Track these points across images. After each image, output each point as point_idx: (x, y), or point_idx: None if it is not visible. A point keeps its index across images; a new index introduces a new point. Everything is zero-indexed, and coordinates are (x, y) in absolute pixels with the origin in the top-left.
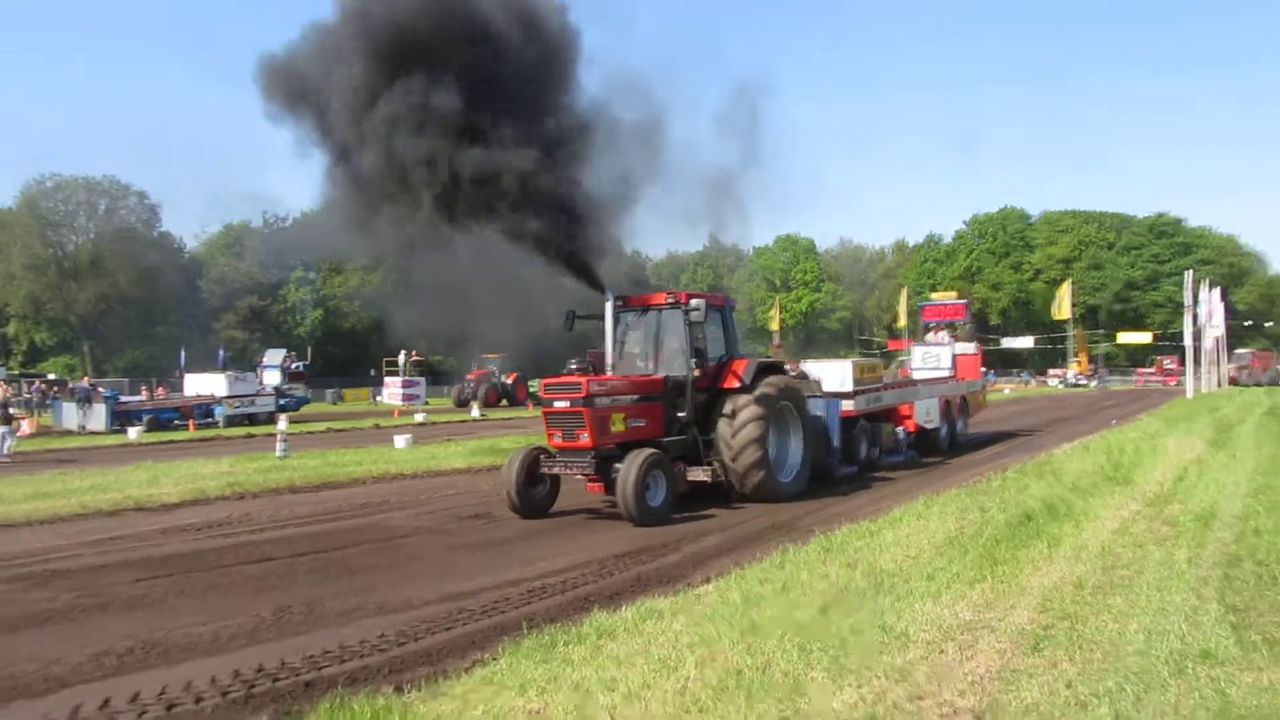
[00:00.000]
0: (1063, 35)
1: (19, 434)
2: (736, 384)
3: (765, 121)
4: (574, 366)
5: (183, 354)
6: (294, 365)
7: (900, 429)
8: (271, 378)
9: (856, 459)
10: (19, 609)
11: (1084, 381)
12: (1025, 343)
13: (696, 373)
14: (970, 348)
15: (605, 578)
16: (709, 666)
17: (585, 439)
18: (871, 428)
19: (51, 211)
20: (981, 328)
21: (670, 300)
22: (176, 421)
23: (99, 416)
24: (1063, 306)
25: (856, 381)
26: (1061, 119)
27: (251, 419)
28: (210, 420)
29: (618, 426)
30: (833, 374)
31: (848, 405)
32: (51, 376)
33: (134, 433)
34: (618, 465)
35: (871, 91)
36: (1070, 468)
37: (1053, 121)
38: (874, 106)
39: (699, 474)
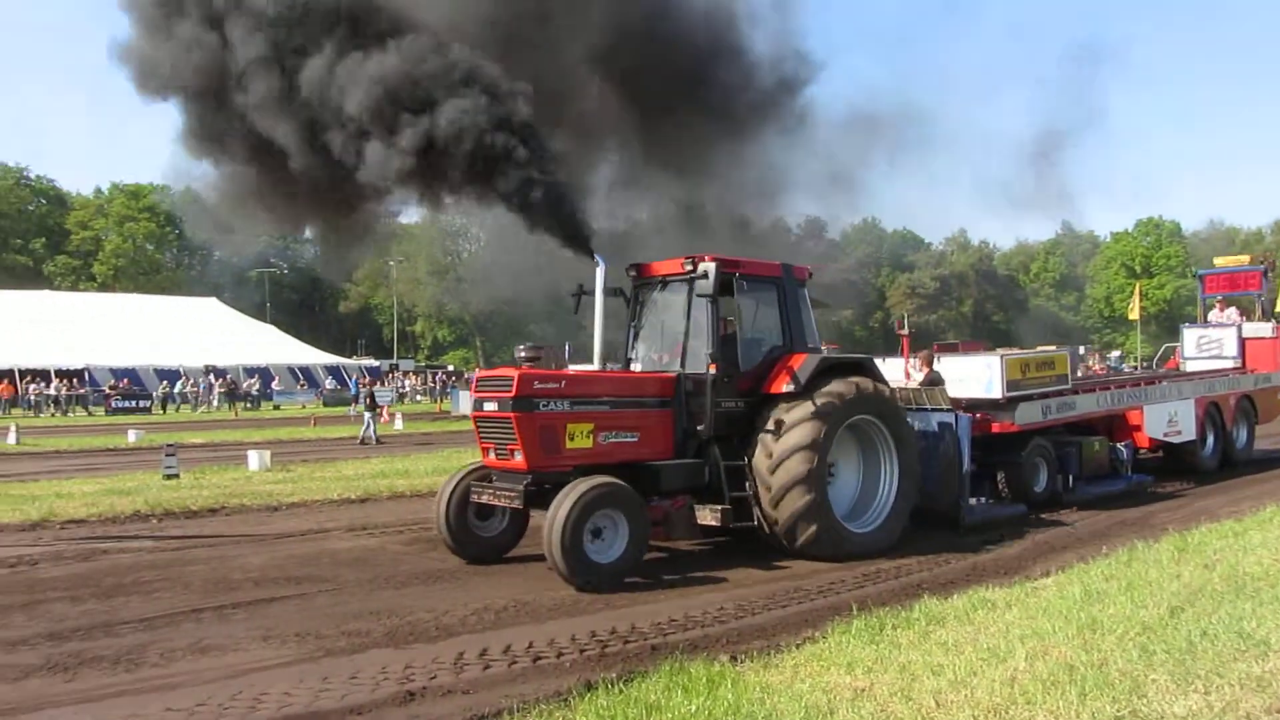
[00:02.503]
0: None
1: (381, 420)
2: (786, 387)
3: (1110, 91)
4: (521, 355)
5: (568, 348)
6: None
7: (1123, 445)
8: None
9: (1026, 493)
10: (415, 568)
11: None
12: None
13: (712, 369)
14: (1267, 329)
15: (939, 566)
16: (1040, 660)
17: (518, 458)
18: (1061, 446)
19: (449, 223)
20: None
21: (688, 268)
22: None
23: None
24: None
25: (1013, 383)
26: None
27: None
28: None
29: (580, 442)
30: (972, 373)
31: (1002, 418)
32: (450, 368)
33: None
34: None
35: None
36: None
37: None
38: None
39: (708, 516)
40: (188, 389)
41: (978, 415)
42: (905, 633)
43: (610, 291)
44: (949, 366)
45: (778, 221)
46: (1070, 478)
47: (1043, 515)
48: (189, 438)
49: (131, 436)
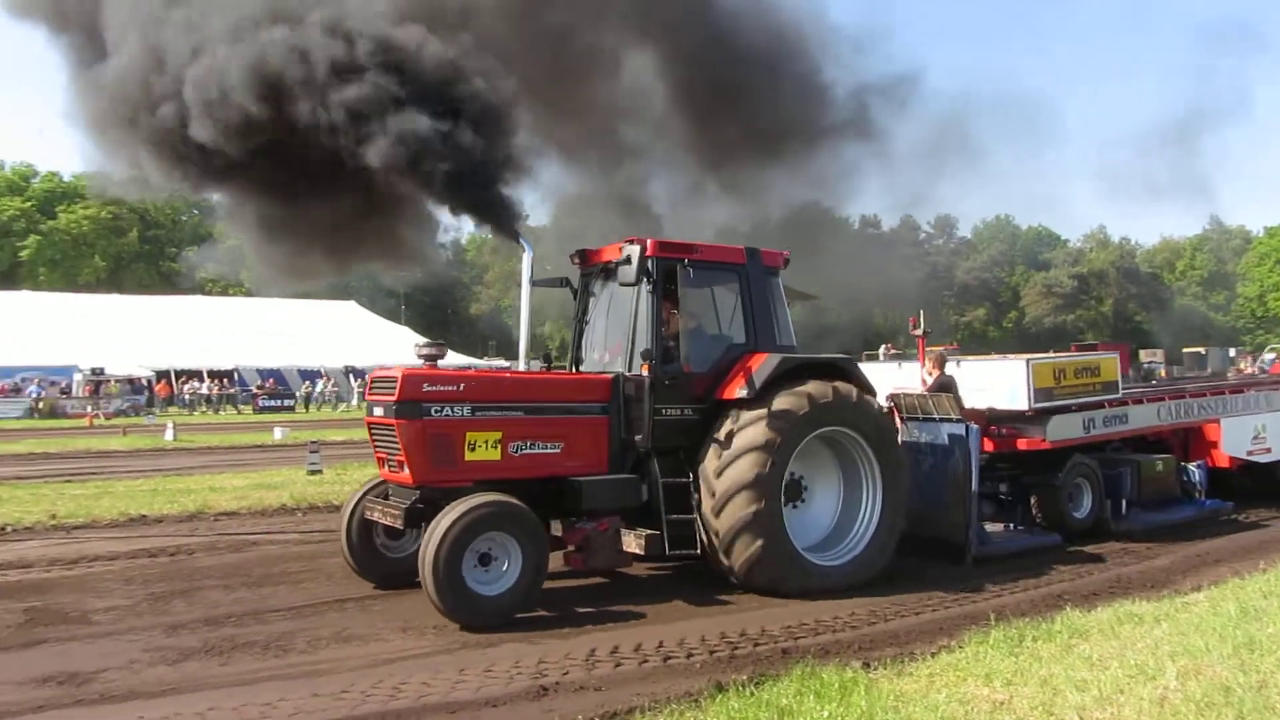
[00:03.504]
0: None
1: None
2: (739, 391)
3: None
4: (421, 352)
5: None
6: None
7: (1195, 465)
8: None
9: (1063, 520)
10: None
11: None
12: None
13: (644, 370)
14: None
15: (1081, 577)
16: (1193, 679)
17: (406, 471)
18: (1111, 466)
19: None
20: None
21: (626, 253)
22: None
23: None
24: None
25: (1043, 392)
26: None
27: None
28: None
29: (483, 453)
30: (995, 380)
31: (1031, 433)
32: None
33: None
34: None
35: None
36: None
37: None
38: None
39: (632, 542)
40: (328, 389)
41: (1003, 430)
42: (1047, 645)
43: (556, 282)
44: (970, 372)
45: (907, 219)
46: (1123, 503)
47: (1085, 548)
48: (330, 435)
49: (277, 434)
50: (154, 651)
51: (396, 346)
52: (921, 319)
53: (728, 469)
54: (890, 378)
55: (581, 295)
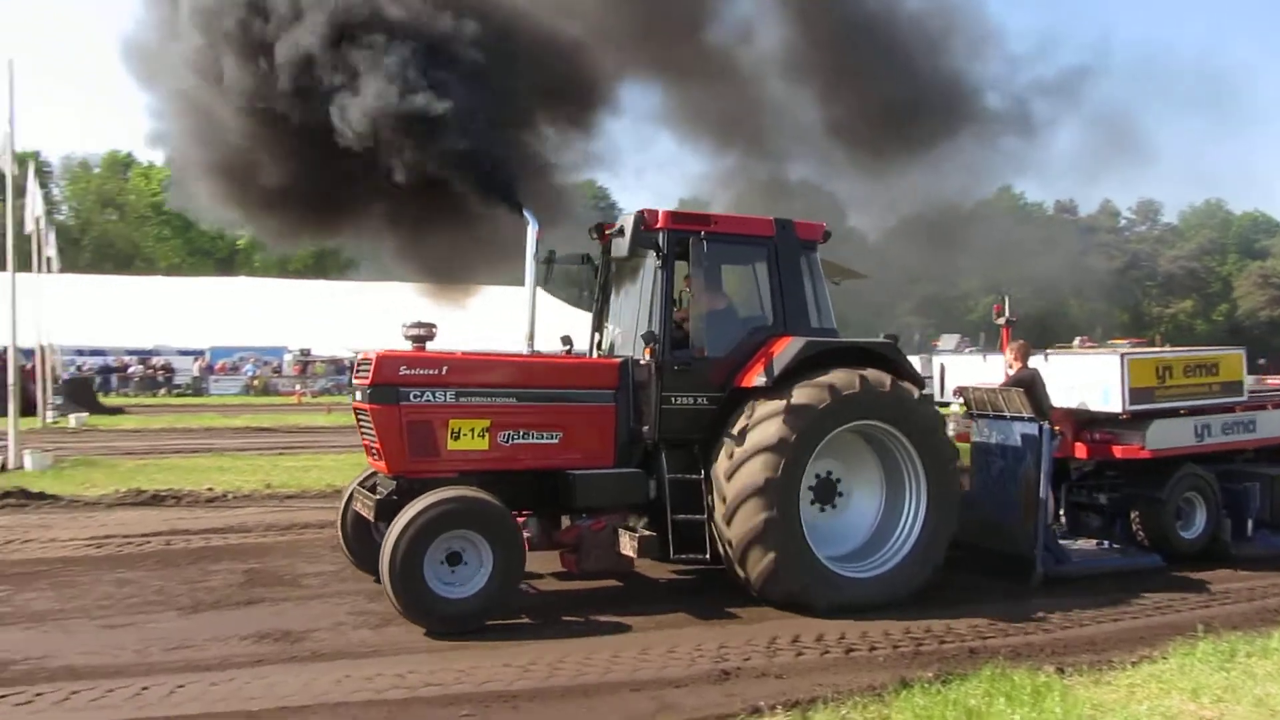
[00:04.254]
0: None
1: None
2: (757, 379)
3: None
4: (409, 333)
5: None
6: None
7: None
8: None
9: (1168, 539)
10: None
11: None
12: None
13: (646, 354)
14: None
15: None
16: None
17: (382, 461)
18: (1234, 480)
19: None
20: None
21: (619, 225)
22: None
23: None
24: None
25: (1141, 393)
26: None
27: None
28: None
29: (469, 442)
30: (1086, 377)
31: (1129, 439)
32: None
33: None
34: None
35: None
36: None
37: None
38: None
39: (628, 544)
40: None
41: (1096, 434)
42: (1262, 662)
43: (576, 259)
44: (1060, 368)
45: (1106, 204)
46: (1248, 523)
47: (1192, 574)
48: None
49: None
50: (358, 615)
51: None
52: (1007, 305)
53: (738, 471)
54: (975, 371)
55: (601, 273)
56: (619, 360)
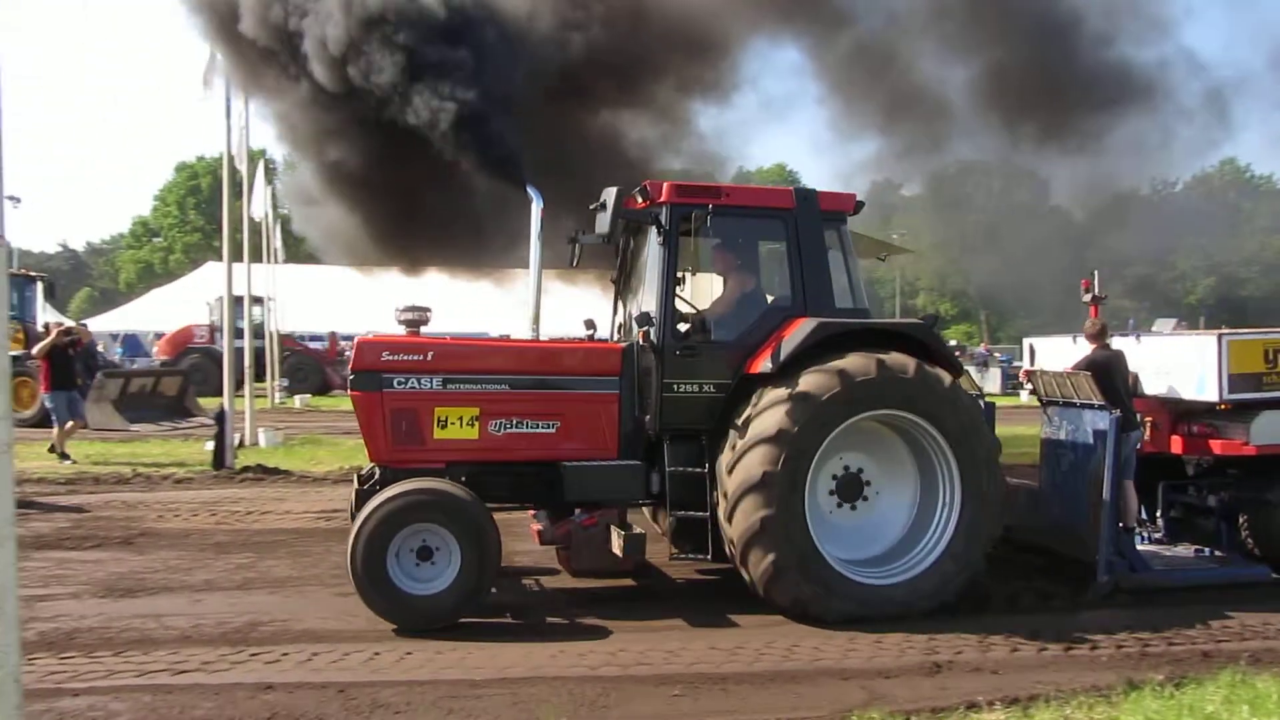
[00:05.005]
0: None
1: None
2: (764, 365)
3: None
4: (401, 319)
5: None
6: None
7: None
8: None
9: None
10: None
11: None
12: None
13: (640, 339)
14: None
15: None
16: None
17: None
18: None
19: (951, 193)
20: None
21: (640, 200)
22: None
23: (992, 379)
24: None
25: (1241, 380)
26: None
27: None
28: None
29: (458, 431)
30: (1178, 361)
31: (1231, 433)
32: (953, 343)
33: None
34: None
35: None
36: None
37: None
38: None
39: (618, 542)
40: None
41: (1193, 427)
42: None
43: (598, 239)
44: (1149, 350)
45: None
46: None
47: None
48: None
49: None
50: (568, 593)
51: None
52: (1096, 280)
53: (738, 464)
54: (1066, 353)
55: (621, 253)
56: (623, 346)
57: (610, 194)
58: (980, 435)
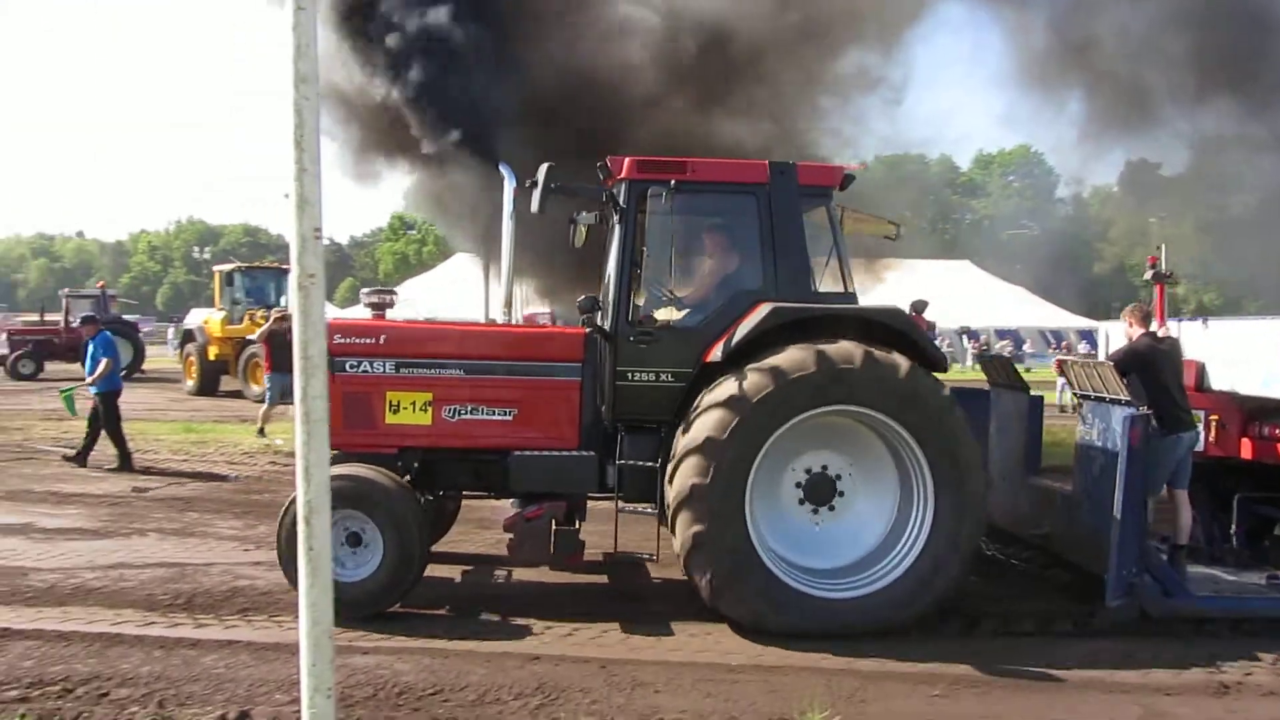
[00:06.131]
0: None
1: None
2: (715, 354)
3: None
4: (367, 303)
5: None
6: None
7: None
8: None
9: None
10: None
11: None
12: None
13: (579, 322)
14: None
15: None
16: None
17: None
18: None
19: (1218, 175)
20: None
21: (600, 175)
22: None
23: None
24: None
25: None
26: None
27: None
28: None
29: (410, 416)
30: (1244, 352)
31: None
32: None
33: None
34: None
35: None
36: None
37: None
38: None
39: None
40: (943, 349)
41: (1264, 428)
42: None
43: (595, 218)
44: (1213, 338)
45: None
46: None
47: None
48: None
49: None
50: None
51: (1011, 307)
52: (1163, 256)
53: (676, 473)
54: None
55: (610, 229)
56: (585, 331)
57: (543, 168)
58: (953, 434)
